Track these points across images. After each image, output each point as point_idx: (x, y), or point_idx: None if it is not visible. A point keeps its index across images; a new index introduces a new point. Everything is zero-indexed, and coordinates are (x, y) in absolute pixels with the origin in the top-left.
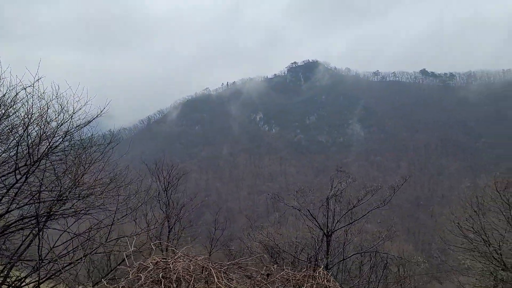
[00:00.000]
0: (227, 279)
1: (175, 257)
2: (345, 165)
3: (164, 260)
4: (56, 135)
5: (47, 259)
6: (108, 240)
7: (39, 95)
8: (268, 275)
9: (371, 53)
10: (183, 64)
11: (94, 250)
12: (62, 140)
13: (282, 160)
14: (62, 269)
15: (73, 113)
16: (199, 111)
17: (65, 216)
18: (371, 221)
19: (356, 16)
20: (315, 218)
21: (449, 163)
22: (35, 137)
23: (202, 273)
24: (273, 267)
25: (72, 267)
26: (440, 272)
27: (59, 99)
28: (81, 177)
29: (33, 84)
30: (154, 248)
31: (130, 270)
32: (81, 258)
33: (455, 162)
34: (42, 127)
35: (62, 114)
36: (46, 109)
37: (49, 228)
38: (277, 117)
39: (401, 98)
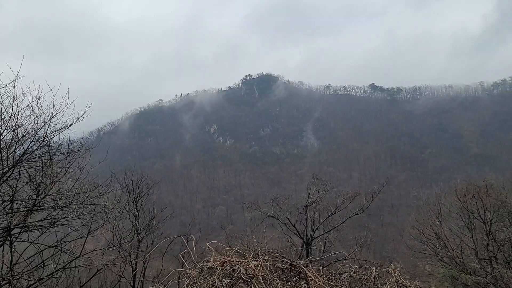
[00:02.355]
0: (315, 277)
1: (235, 259)
2: (299, 176)
3: (228, 261)
4: (32, 140)
5: (19, 274)
6: (85, 252)
7: (12, 96)
8: (340, 274)
9: (324, 67)
10: (138, 75)
11: (70, 262)
12: (39, 146)
13: (237, 172)
14: (38, 281)
15: (52, 117)
16: (152, 123)
17: (39, 227)
18: (344, 228)
19: (312, 31)
20: (294, 226)
21: (398, 173)
22: (8, 141)
23: (277, 272)
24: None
25: (47, 280)
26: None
27: (37, 101)
28: (56, 185)
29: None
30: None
31: (191, 272)
32: (54, 272)
33: (403, 172)
34: (15, 130)
35: (38, 118)
36: (17, 111)
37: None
38: (232, 129)
39: (351, 110)
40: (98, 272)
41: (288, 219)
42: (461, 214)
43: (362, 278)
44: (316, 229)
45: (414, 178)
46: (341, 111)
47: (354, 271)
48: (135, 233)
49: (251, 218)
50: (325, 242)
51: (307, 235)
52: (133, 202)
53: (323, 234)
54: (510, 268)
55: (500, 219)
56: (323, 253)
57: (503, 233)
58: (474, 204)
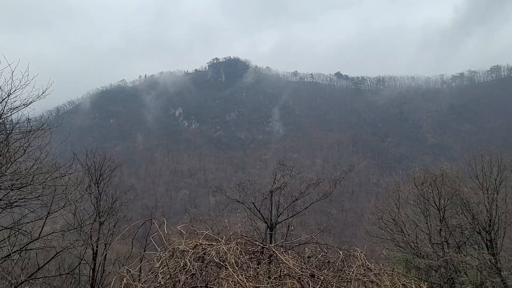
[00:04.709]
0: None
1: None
2: (264, 161)
3: (200, 244)
4: None
5: None
6: (44, 234)
7: None
8: (309, 257)
9: (295, 55)
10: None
11: (27, 244)
12: None
13: (201, 156)
14: None
15: (9, 93)
16: (114, 104)
17: None
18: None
19: (288, 18)
20: (259, 211)
21: (359, 161)
22: None
23: (248, 255)
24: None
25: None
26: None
27: None
28: (14, 165)
29: None
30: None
31: (160, 255)
32: (10, 254)
33: (364, 160)
34: None
35: None
36: None
37: None
38: (197, 113)
39: (317, 98)
40: (57, 254)
41: (254, 203)
42: (418, 201)
43: (330, 261)
44: (280, 214)
45: (375, 166)
46: (307, 99)
47: (322, 255)
48: (96, 215)
49: (215, 202)
50: (288, 227)
51: (271, 220)
52: (95, 184)
53: (287, 219)
54: (460, 252)
55: (453, 206)
56: (286, 237)
57: (455, 220)
58: (430, 192)
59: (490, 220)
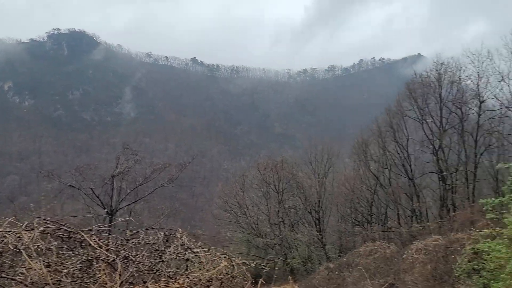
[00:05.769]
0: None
1: None
2: (112, 145)
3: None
4: None
5: None
6: None
7: None
8: (127, 240)
9: (150, 35)
10: None
11: None
12: None
13: (36, 137)
14: None
15: None
16: None
17: None
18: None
19: None
20: (98, 197)
21: (212, 147)
22: None
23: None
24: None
25: None
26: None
27: None
28: None
29: None
30: None
31: None
32: None
33: (217, 146)
34: None
35: None
36: None
37: None
38: (32, 88)
39: (171, 82)
40: None
41: (92, 189)
42: (261, 185)
43: (150, 242)
44: (122, 199)
45: (227, 152)
46: (161, 81)
47: (142, 237)
48: None
49: (51, 188)
50: (131, 213)
51: (111, 206)
52: None
53: (129, 205)
54: (294, 230)
55: (290, 190)
56: (127, 223)
57: (291, 201)
58: (271, 177)
59: (319, 201)
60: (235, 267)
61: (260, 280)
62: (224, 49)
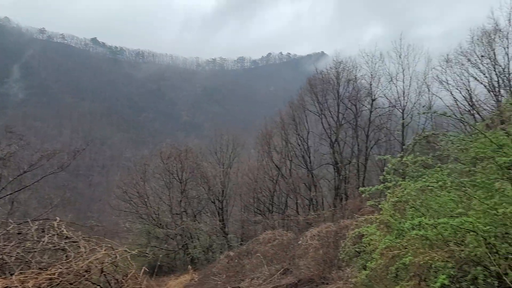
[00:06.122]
0: None
1: None
2: None
3: None
4: None
5: None
6: None
7: None
8: None
9: (44, 9)
10: None
11: None
12: None
13: None
14: None
15: None
16: None
17: None
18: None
19: None
20: None
21: (113, 134)
22: None
23: None
24: None
25: None
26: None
27: None
28: None
29: None
30: None
31: None
32: None
33: (118, 133)
34: None
35: None
36: None
37: None
38: None
39: (69, 63)
40: None
41: None
42: (163, 175)
43: (21, 232)
44: (3, 188)
45: (129, 140)
46: (57, 61)
47: (12, 227)
48: None
49: None
50: (13, 203)
51: None
52: None
53: (11, 194)
54: (196, 220)
55: (194, 179)
56: (8, 214)
57: (194, 191)
58: (174, 166)
59: (223, 191)
60: (117, 255)
61: (143, 267)
62: (128, 31)
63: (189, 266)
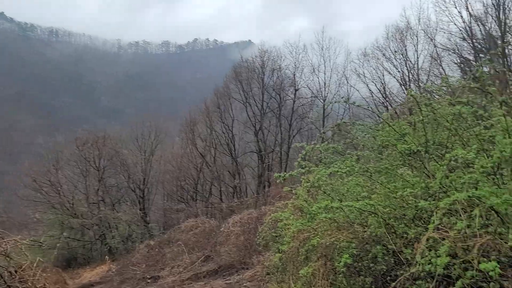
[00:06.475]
0: None
1: None
2: None
3: None
4: None
5: None
6: None
7: None
8: None
9: None
10: None
11: None
12: None
13: None
14: None
15: None
16: None
17: None
18: None
19: None
20: None
21: (23, 119)
22: None
23: None
24: None
25: None
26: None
27: None
28: None
29: None
30: None
31: None
32: None
33: (29, 118)
34: None
35: None
36: None
37: None
38: None
39: None
40: None
41: None
42: (79, 162)
43: None
44: None
45: (42, 126)
46: None
47: None
48: None
49: None
50: None
51: None
52: None
53: None
54: (114, 209)
55: (112, 167)
56: None
57: (113, 179)
58: (91, 153)
59: (144, 179)
60: (8, 247)
61: (38, 258)
62: (40, 6)
63: (107, 257)
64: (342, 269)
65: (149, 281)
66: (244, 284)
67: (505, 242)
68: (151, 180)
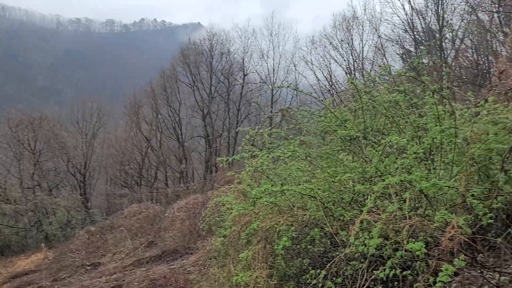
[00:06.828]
0: None
1: None
2: None
3: None
4: None
5: None
6: None
7: None
8: None
9: None
10: None
11: None
12: None
13: None
14: None
15: None
16: None
17: None
18: None
19: None
20: None
21: None
22: None
23: None
24: None
25: None
26: None
27: None
28: None
29: None
30: None
31: None
32: None
33: None
34: None
35: None
36: None
37: None
38: None
39: None
40: None
41: None
42: (12, 144)
43: None
44: None
45: None
46: None
47: None
48: None
49: None
50: None
51: None
52: None
53: None
54: (52, 195)
55: (50, 150)
56: None
57: (51, 163)
58: (26, 135)
59: (85, 163)
60: None
61: None
62: None
63: (42, 244)
64: (281, 252)
65: (88, 268)
66: (187, 269)
67: (432, 223)
68: (93, 164)
